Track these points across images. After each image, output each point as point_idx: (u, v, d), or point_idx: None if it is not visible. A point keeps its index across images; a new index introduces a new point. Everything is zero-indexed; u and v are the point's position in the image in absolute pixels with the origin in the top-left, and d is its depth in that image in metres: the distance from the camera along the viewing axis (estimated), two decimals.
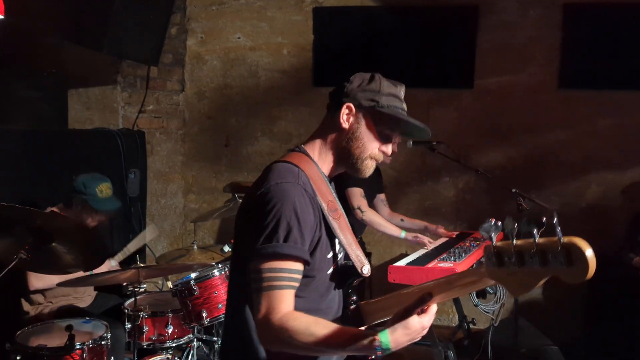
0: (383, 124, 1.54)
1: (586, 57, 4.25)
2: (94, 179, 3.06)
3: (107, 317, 2.94)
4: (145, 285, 2.78)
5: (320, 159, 1.56)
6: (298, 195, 1.40)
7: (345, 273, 1.53)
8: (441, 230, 3.72)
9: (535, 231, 1.05)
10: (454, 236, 3.65)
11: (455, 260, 3.03)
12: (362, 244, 3.86)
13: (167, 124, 5.01)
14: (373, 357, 1.34)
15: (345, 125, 1.53)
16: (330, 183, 1.58)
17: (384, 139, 1.56)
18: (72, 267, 2.51)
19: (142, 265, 2.70)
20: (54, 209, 3.02)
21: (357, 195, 3.49)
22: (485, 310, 3.42)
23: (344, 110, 1.52)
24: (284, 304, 1.34)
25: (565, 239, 1.02)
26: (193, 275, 2.97)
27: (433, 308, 1.33)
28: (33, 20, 4.64)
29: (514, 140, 4.43)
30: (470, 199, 4.56)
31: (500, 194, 4.00)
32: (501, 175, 4.24)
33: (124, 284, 2.92)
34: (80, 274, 2.68)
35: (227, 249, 3.29)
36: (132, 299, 2.87)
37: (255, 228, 1.39)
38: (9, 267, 2.23)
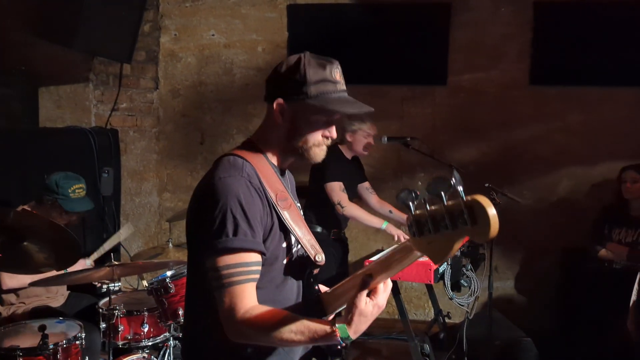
0: (318, 113, 1.48)
1: (556, 54, 4.34)
2: (68, 179, 3.01)
3: (81, 317, 2.90)
4: (119, 284, 2.75)
5: (267, 150, 1.54)
6: (242, 187, 1.39)
7: (301, 263, 1.51)
8: (401, 236, 3.66)
9: (442, 193, 1.02)
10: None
11: None
12: (344, 240, 3.84)
13: (141, 122, 4.95)
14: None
15: (280, 120, 1.49)
16: (282, 174, 1.55)
17: (323, 125, 1.51)
18: (45, 266, 2.47)
19: (116, 263, 2.66)
20: (26, 207, 2.97)
21: (336, 190, 3.50)
22: (460, 304, 3.47)
23: (275, 107, 1.49)
24: (246, 299, 1.34)
25: (467, 198, 0.99)
26: (169, 273, 2.94)
27: (387, 285, 1.31)
28: (2, 15, 4.55)
29: (487, 136, 4.50)
30: None
31: (473, 189, 4.03)
32: (475, 171, 4.30)
33: (98, 282, 2.88)
34: (53, 273, 2.63)
35: None
36: (107, 298, 2.83)
37: (202, 226, 1.38)
38: None
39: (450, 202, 1.02)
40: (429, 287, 3.88)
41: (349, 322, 1.28)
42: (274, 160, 1.55)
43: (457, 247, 1.04)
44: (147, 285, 2.89)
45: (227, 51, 4.81)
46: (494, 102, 4.49)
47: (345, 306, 1.32)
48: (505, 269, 4.60)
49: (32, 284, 2.64)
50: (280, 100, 1.48)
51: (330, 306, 1.41)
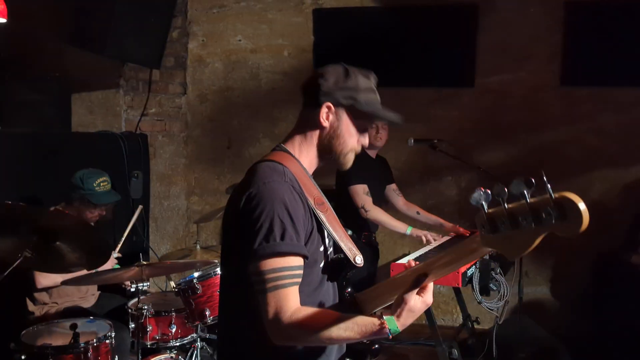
0: (362, 119, 1.57)
1: (587, 54, 4.25)
2: (91, 174, 3.08)
3: (111, 317, 2.95)
4: (148, 284, 2.79)
5: (301, 156, 1.57)
6: (287, 192, 1.41)
7: (338, 265, 1.53)
8: (460, 229, 3.62)
9: (525, 191, 1.04)
10: (468, 234, 3.59)
11: None
12: (375, 244, 3.81)
13: (169, 126, 5.03)
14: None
15: (326, 124, 1.54)
16: (312, 178, 1.59)
17: (362, 131, 1.59)
18: (76, 266, 2.53)
19: (145, 263, 2.70)
20: (58, 207, 3.04)
21: (360, 194, 3.47)
22: (489, 308, 3.41)
23: (324, 110, 1.53)
24: (291, 301, 1.35)
25: (556, 195, 1.02)
26: (196, 274, 2.97)
27: (431, 286, 1.36)
28: (36, 24, 4.69)
29: (516, 138, 4.44)
30: None
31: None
32: (504, 174, 4.23)
33: (127, 282, 2.93)
34: (84, 272, 2.69)
35: None
36: (136, 299, 2.87)
37: (249, 230, 1.39)
38: (14, 265, 2.24)
39: (533, 200, 1.05)
40: (457, 291, 3.82)
41: (397, 316, 1.31)
42: (307, 165, 1.58)
43: (537, 242, 1.08)
44: (174, 286, 2.92)
45: (253, 56, 4.86)
46: (523, 103, 4.42)
47: (385, 305, 1.35)
48: (536, 274, 4.51)
49: (65, 282, 2.70)
50: (329, 103, 1.53)
51: (367, 306, 1.43)
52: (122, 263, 3.32)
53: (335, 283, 1.57)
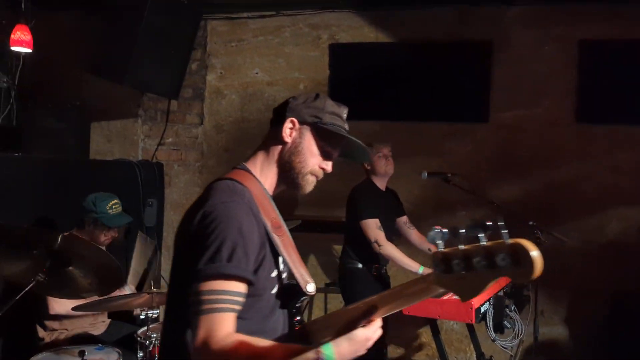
0: (324, 141, 1.56)
1: (602, 92, 4.25)
2: (103, 197, 3.12)
3: (121, 345, 2.93)
4: (158, 311, 2.77)
5: (262, 176, 1.56)
6: (243, 213, 1.38)
7: (290, 292, 1.49)
8: None
9: (481, 234, 1.06)
10: None
11: None
12: (385, 277, 3.78)
13: (185, 156, 5.09)
14: None
15: (288, 139, 1.54)
16: (272, 200, 1.56)
17: (324, 155, 1.57)
18: (88, 292, 2.53)
19: (155, 290, 2.70)
20: (72, 232, 3.06)
21: (372, 228, 3.45)
22: (503, 347, 3.34)
23: (287, 125, 1.54)
24: (224, 327, 1.29)
25: (510, 241, 1.03)
26: None
27: (378, 321, 1.31)
28: (59, 53, 4.83)
29: (531, 173, 4.41)
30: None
31: (517, 227, 3.93)
32: (518, 209, 4.19)
33: (137, 310, 2.92)
34: (95, 298, 2.69)
35: None
36: (145, 327, 2.86)
37: (198, 248, 1.34)
38: (26, 289, 2.25)
39: (488, 243, 1.06)
40: (471, 329, 3.75)
41: (336, 344, 1.26)
42: (267, 186, 1.56)
43: (489, 286, 1.09)
44: None
45: (269, 89, 4.93)
46: (537, 139, 4.41)
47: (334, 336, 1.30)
48: (552, 313, 4.41)
49: (75, 309, 2.69)
50: (293, 118, 1.54)
51: (316, 336, 1.37)
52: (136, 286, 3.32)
53: (286, 311, 1.52)
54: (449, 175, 3.75)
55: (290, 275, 1.49)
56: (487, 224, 1.06)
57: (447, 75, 4.49)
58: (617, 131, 4.27)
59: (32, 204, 3.43)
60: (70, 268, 2.42)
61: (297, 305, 1.50)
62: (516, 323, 3.29)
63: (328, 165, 1.59)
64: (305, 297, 1.49)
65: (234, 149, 5.01)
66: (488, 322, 3.06)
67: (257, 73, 4.96)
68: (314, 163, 1.55)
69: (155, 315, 2.77)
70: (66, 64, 4.89)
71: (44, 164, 3.69)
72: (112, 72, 4.08)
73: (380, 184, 3.67)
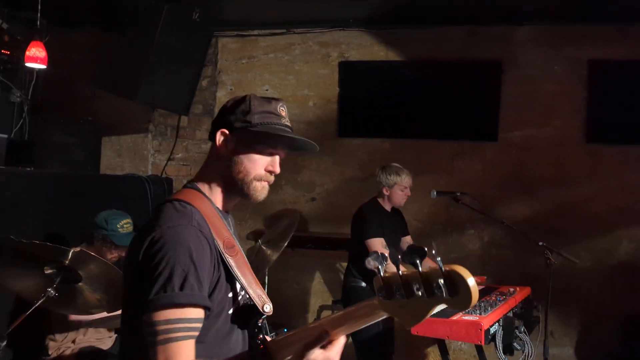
0: (260, 143, 1.47)
1: (613, 112, 4.26)
2: (116, 215, 3.13)
3: None
4: None
5: (211, 193, 1.49)
6: (193, 237, 1.32)
7: (247, 312, 1.44)
8: None
9: (417, 261, 1.04)
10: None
11: (480, 314, 2.97)
12: None
13: (194, 171, 5.06)
14: None
15: (224, 151, 1.47)
16: (226, 218, 1.50)
17: (266, 156, 1.49)
18: (97, 307, 2.54)
19: None
20: (79, 248, 3.07)
21: (377, 247, 3.45)
22: None
23: (219, 137, 1.47)
24: (184, 356, 1.25)
25: (446, 268, 1.01)
26: None
27: (339, 342, 1.27)
28: (72, 70, 4.90)
29: (540, 193, 4.40)
30: (496, 252, 4.48)
31: (526, 247, 3.94)
32: (527, 229, 4.17)
33: None
34: (104, 314, 2.69)
35: None
36: None
37: (147, 277, 1.28)
38: (37, 304, 2.26)
39: (426, 270, 1.04)
40: (479, 349, 3.71)
41: None
42: (218, 203, 1.49)
43: (430, 313, 1.07)
44: None
45: None
46: (547, 159, 4.40)
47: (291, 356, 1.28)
48: (562, 335, 4.36)
49: (85, 325, 2.69)
50: (223, 129, 1.47)
51: (278, 354, 1.34)
52: None
53: (246, 331, 1.48)
54: (459, 194, 3.75)
55: (247, 297, 1.45)
56: (424, 249, 1.04)
57: (457, 93, 4.50)
58: (626, 151, 4.26)
59: (44, 219, 3.45)
60: (80, 284, 2.43)
61: (258, 324, 1.46)
62: (526, 344, 3.25)
63: (274, 166, 1.50)
64: (263, 317, 1.45)
65: None
66: (497, 343, 3.03)
67: (267, 90, 5.00)
68: (256, 169, 1.47)
69: None
70: (79, 79, 4.96)
71: (56, 178, 3.72)
72: (124, 89, 4.13)
73: (386, 205, 3.68)
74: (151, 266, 1.28)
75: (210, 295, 1.35)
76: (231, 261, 1.40)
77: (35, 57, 3.84)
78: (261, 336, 1.45)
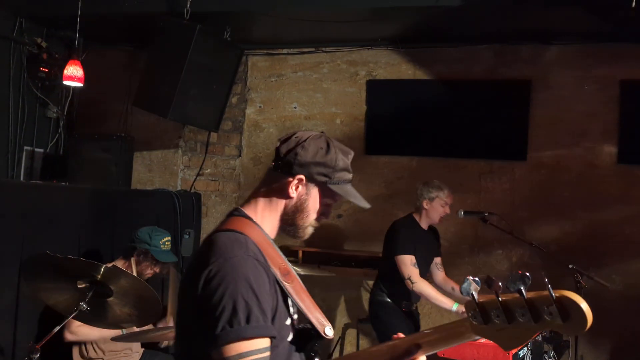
0: (330, 197, 1.52)
1: None
2: (159, 232, 3.23)
3: None
4: None
5: (264, 222, 1.49)
6: (251, 268, 1.32)
7: (306, 337, 1.44)
8: None
9: (522, 288, 1.05)
10: None
11: None
12: (416, 315, 3.74)
13: (222, 186, 5.19)
14: None
15: (294, 194, 1.48)
16: (276, 245, 1.50)
17: (325, 208, 1.54)
18: (126, 322, 2.59)
19: None
20: (115, 263, 3.14)
21: (407, 264, 3.44)
22: None
23: (295, 182, 1.47)
24: None
25: (556, 294, 1.03)
26: None
27: (423, 358, 1.28)
28: (107, 88, 5.04)
29: (571, 214, 4.32)
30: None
31: (556, 270, 3.86)
32: (557, 251, 4.11)
33: (166, 342, 2.96)
34: (133, 329, 2.74)
35: None
36: None
37: (210, 312, 1.27)
38: (70, 317, 2.32)
39: (531, 295, 1.06)
40: None
41: None
42: (269, 231, 1.50)
43: (532, 338, 1.10)
44: None
45: (307, 122, 5.02)
46: (578, 180, 4.33)
47: None
48: (593, 359, 4.26)
49: (115, 339, 2.75)
50: (302, 176, 1.47)
51: None
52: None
53: (303, 354, 1.47)
54: (486, 214, 3.72)
55: (303, 319, 1.45)
56: (527, 275, 1.05)
57: (485, 113, 4.48)
58: None
59: (77, 233, 3.55)
60: (111, 299, 2.48)
61: (315, 347, 1.46)
62: None
63: (327, 216, 1.55)
64: (321, 340, 1.45)
65: None
66: None
67: (295, 107, 5.06)
68: (314, 216, 1.52)
69: None
70: (113, 96, 5.10)
71: (89, 193, 3.82)
72: (157, 107, 4.22)
73: (423, 223, 3.64)
74: (213, 301, 1.27)
75: (272, 326, 1.35)
76: (289, 288, 1.40)
77: (73, 76, 3.98)
78: (317, 359, 1.47)
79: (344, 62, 4.94)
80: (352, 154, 1.56)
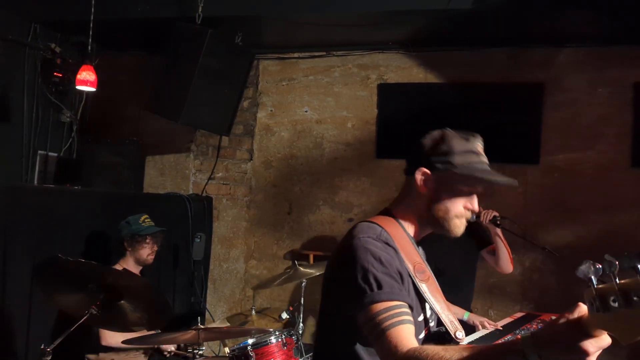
0: (462, 183, 1.50)
1: None
2: (135, 216, 3.32)
3: None
4: (204, 348, 2.81)
5: (406, 222, 1.55)
6: (377, 246, 1.40)
7: (438, 339, 1.46)
8: (486, 323, 3.27)
9: (638, 265, 0.94)
10: (500, 327, 3.25)
11: None
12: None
13: (234, 190, 5.21)
14: None
15: (423, 190, 1.51)
16: (418, 246, 1.55)
17: (465, 195, 1.51)
18: (137, 325, 2.60)
19: (202, 327, 2.74)
20: (116, 266, 3.16)
21: None
22: None
23: (419, 176, 1.51)
24: (406, 339, 1.25)
25: None
26: (250, 341, 2.98)
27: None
28: (119, 92, 5.08)
29: (584, 218, 4.27)
30: (538, 278, 4.37)
31: (569, 274, 3.80)
32: (570, 255, 4.06)
33: (183, 345, 2.97)
34: (144, 332, 2.75)
35: (285, 315, 3.30)
36: None
37: (346, 284, 1.37)
38: (80, 321, 2.34)
39: None
40: None
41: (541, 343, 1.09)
42: (410, 230, 1.55)
43: None
44: (229, 352, 2.93)
45: (318, 126, 5.02)
46: (591, 183, 4.29)
47: None
48: None
49: (125, 342, 2.76)
50: (424, 169, 1.51)
51: None
52: (180, 324, 3.38)
53: None
54: (499, 217, 3.68)
55: (438, 322, 1.47)
56: None
57: (497, 116, 4.44)
58: None
59: (89, 236, 3.58)
60: (121, 302, 2.50)
61: None
62: None
63: (473, 204, 1.53)
64: (454, 344, 1.44)
65: (281, 184, 5.09)
66: None
67: (306, 111, 5.06)
68: (456, 207, 1.50)
69: (201, 352, 2.81)
70: (125, 101, 5.14)
71: (102, 197, 3.86)
72: (169, 111, 4.25)
73: None
74: (347, 275, 1.37)
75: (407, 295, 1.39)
76: (423, 286, 1.44)
77: (86, 81, 4.01)
78: None
79: (355, 65, 4.94)
80: (476, 137, 1.56)
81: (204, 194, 5.15)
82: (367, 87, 4.89)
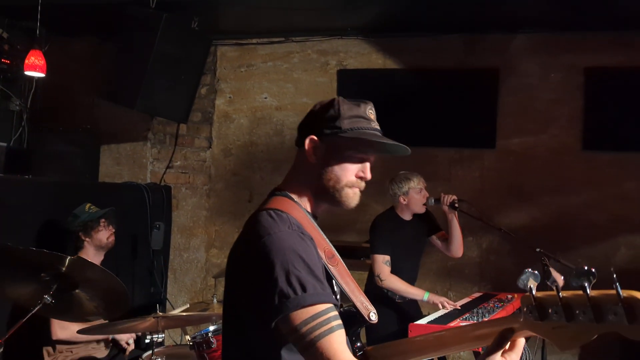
0: (351, 149, 1.43)
1: (609, 119, 4.27)
2: (77, 208, 3.28)
3: None
4: (163, 335, 2.77)
5: (301, 199, 1.46)
6: (297, 240, 1.30)
7: (349, 320, 1.40)
8: (445, 302, 3.41)
9: (586, 284, 0.96)
10: (459, 307, 3.41)
11: (478, 320, 2.97)
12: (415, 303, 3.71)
13: (193, 179, 5.13)
14: None
15: (312, 158, 1.43)
16: (319, 227, 1.45)
17: (357, 162, 1.45)
18: (93, 315, 2.54)
19: (161, 314, 2.70)
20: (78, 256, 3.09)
21: (378, 262, 3.42)
22: None
23: (308, 144, 1.43)
24: (339, 350, 1.21)
25: (624, 294, 0.94)
26: (211, 327, 2.94)
27: (521, 342, 1.17)
28: (72, 79, 4.92)
29: (538, 200, 4.40)
30: (495, 259, 4.49)
31: (524, 254, 3.92)
32: (525, 236, 4.17)
33: (142, 333, 2.92)
34: (100, 322, 2.69)
35: None
36: (149, 352, 2.85)
37: (264, 289, 1.26)
38: (33, 311, 2.26)
39: (595, 294, 0.98)
40: (477, 355, 3.70)
41: None
42: (308, 208, 1.47)
43: (592, 339, 0.99)
44: (189, 339, 2.89)
45: (278, 113, 4.99)
46: (544, 166, 4.41)
47: None
48: None
49: (80, 332, 2.70)
50: (312, 136, 1.43)
51: None
52: (138, 313, 3.32)
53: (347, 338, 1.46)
54: (457, 201, 3.74)
55: (346, 302, 1.43)
56: (593, 271, 0.97)
57: (454, 101, 4.52)
58: (624, 158, 4.26)
59: (42, 227, 3.47)
60: (77, 291, 2.43)
61: (357, 332, 1.44)
62: (524, 351, 3.24)
63: (365, 173, 1.45)
64: (365, 325, 1.42)
65: (241, 172, 5.04)
66: None
67: (265, 98, 5.02)
68: (347, 176, 1.43)
69: (160, 340, 2.76)
70: (78, 88, 4.98)
71: (54, 187, 3.74)
72: (124, 98, 4.15)
73: (406, 215, 3.58)
74: (264, 278, 1.26)
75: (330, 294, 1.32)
76: (334, 270, 1.37)
77: (35, 65, 3.86)
78: (359, 344, 1.43)
79: (315, 51, 4.92)
80: (367, 103, 1.48)
81: (162, 183, 5.06)
82: (326, 73, 4.88)
